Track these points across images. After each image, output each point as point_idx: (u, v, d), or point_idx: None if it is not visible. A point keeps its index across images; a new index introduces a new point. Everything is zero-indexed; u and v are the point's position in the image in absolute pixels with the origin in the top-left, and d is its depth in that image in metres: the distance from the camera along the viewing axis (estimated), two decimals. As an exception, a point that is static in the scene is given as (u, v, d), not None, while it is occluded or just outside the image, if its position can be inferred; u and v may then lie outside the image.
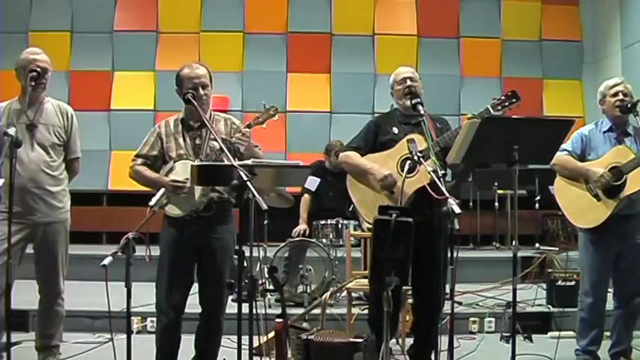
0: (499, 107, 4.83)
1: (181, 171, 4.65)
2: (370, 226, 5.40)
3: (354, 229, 7.36)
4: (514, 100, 4.80)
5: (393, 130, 5.15)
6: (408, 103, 5.01)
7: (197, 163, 4.56)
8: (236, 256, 3.93)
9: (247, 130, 4.66)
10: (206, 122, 4.58)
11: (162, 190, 4.36)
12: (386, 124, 5.23)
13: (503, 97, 4.79)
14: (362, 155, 5.17)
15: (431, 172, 4.17)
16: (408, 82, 5.11)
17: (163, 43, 11.29)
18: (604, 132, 5.37)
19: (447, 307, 4.55)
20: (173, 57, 10.63)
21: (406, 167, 4.50)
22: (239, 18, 11.46)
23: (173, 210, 4.66)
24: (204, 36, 11.37)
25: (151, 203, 4.19)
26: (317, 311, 6.39)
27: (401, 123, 5.17)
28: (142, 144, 4.84)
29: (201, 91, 4.69)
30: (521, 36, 11.62)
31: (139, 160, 4.79)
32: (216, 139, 4.59)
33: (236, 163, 3.99)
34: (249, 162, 4.12)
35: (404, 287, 5.02)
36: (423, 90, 5.16)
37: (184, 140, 4.75)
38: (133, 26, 11.33)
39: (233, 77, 11.29)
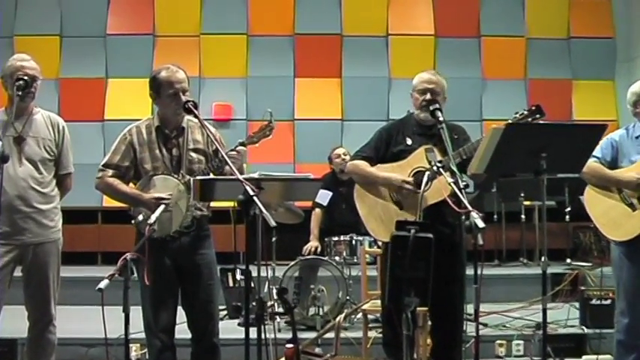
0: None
1: (162, 186, 4.61)
2: (381, 240, 5.43)
3: (370, 246, 7.36)
4: (538, 115, 4.79)
5: (407, 140, 5.12)
6: (424, 115, 4.99)
7: (188, 178, 4.54)
8: (242, 276, 3.94)
9: (243, 148, 4.60)
10: (209, 134, 4.55)
11: (162, 206, 4.36)
12: (399, 133, 5.19)
13: (526, 112, 4.78)
14: (371, 165, 5.16)
15: (452, 184, 4.17)
16: (428, 96, 5.05)
17: (160, 47, 11.33)
18: (636, 137, 5.32)
19: (471, 329, 4.55)
20: (171, 62, 10.63)
21: (425, 179, 4.49)
22: (242, 19, 11.50)
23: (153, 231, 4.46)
24: (204, 39, 11.41)
25: (150, 221, 4.20)
26: (330, 335, 6.39)
27: (415, 133, 5.14)
28: (110, 152, 4.74)
29: (183, 97, 4.60)
30: (547, 34, 11.62)
31: (110, 172, 4.70)
32: (195, 150, 4.60)
33: (241, 176, 3.99)
34: (255, 175, 4.13)
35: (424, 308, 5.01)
36: (446, 96, 5.12)
37: (160, 151, 4.69)
38: (127, 29, 11.38)
39: (236, 83, 11.33)
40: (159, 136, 4.71)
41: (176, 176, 4.62)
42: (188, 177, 4.58)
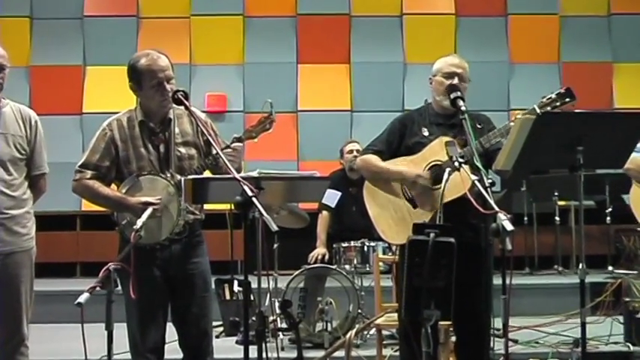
0: (548, 108, 4.80)
1: (149, 188, 4.58)
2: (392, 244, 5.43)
3: (384, 253, 7.36)
4: (567, 99, 4.77)
5: (423, 131, 5.12)
6: (446, 103, 4.99)
7: (178, 177, 4.55)
8: (240, 288, 3.96)
9: (239, 144, 4.57)
10: (202, 127, 4.54)
11: (150, 210, 4.37)
12: (414, 124, 5.18)
13: (553, 96, 4.76)
14: (383, 160, 5.16)
15: (476, 181, 4.17)
16: (456, 80, 5.05)
17: (146, 31, 11.38)
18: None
19: (499, 346, 4.55)
20: (158, 47, 10.57)
21: (445, 175, 4.48)
22: (238, -2, 11.54)
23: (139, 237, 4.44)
24: (195, 20, 11.45)
25: (136, 226, 4.20)
26: (340, 354, 6.40)
27: (433, 123, 5.13)
28: (88, 150, 4.70)
29: (168, 87, 4.57)
30: (584, 10, 11.64)
31: (89, 173, 4.66)
32: (185, 144, 4.60)
33: (239, 175, 4.00)
34: (254, 174, 4.13)
35: (444, 322, 5.02)
36: (466, 86, 5.13)
37: (146, 149, 4.66)
38: (107, 10, 11.44)
39: (232, 71, 11.37)
40: (143, 130, 4.68)
41: (164, 176, 4.62)
42: (178, 176, 4.57)
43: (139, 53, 4.74)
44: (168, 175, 4.61)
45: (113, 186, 4.76)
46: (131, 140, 4.67)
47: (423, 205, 4.90)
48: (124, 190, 4.62)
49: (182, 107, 4.56)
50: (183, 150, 4.67)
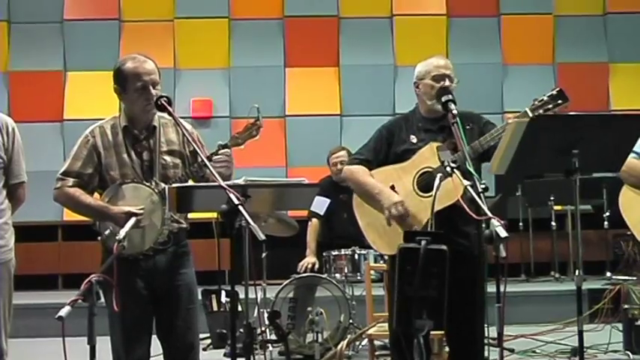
0: (541, 111, 4.80)
1: (132, 197, 4.56)
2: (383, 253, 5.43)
3: (375, 261, 7.35)
4: (560, 101, 4.78)
5: (411, 138, 5.11)
6: (439, 107, 4.98)
7: (162, 185, 4.53)
8: (228, 299, 3.95)
9: (227, 150, 4.55)
10: (187, 135, 4.53)
11: (134, 219, 4.36)
12: (402, 131, 5.17)
13: (545, 98, 4.76)
14: (370, 170, 5.16)
15: (468, 187, 4.18)
16: (447, 83, 5.05)
17: (128, 35, 11.37)
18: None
19: (494, 356, 4.56)
20: (141, 52, 10.63)
21: (437, 182, 4.48)
22: (223, 0, 11.53)
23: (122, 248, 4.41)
24: (179, 24, 11.45)
25: (119, 237, 4.19)
26: (331, 366, 6.40)
27: (420, 129, 5.12)
28: (70, 158, 4.69)
29: (153, 91, 4.55)
30: (579, 10, 11.69)
31: (70, 181, 4.64)
32: (169, 153, 4.60)
33: (224, 183, 3.99)
34: (240, 181, 4.13)
35: (437, 332, 5.02)
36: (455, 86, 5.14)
37: (129, 155, 4.64)
38: (88, 13, 11.43)
39: (217, 75, 11.37)
40: (126, 137, 4.67)
41: (148, 184, 4.61)
42: (162, 185, 4.57)
43: (126, 56, 4.75)
44: (152, 183, 4.60)
45: (96, 195, 4.75)
46: (114, 147, 4.65)
47: (413, 217, 4.89)
48: (106, 199, 4.60)
49: (167, 115, 4.58)
50: (168, 158, 4.66)
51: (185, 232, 4.77)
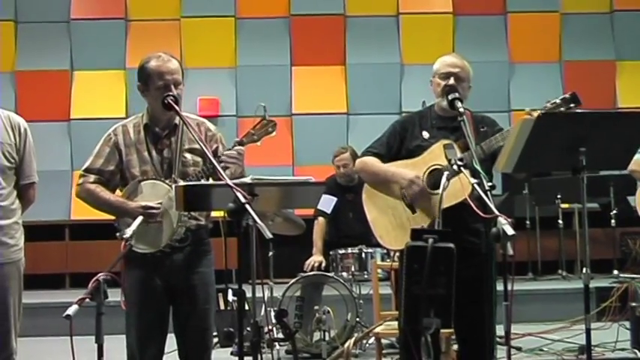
0: None
1: (151, 194, 4.58)
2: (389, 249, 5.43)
3: (382, 259, 7.35)
4: (572, 104, 4.79)
5: (424, 134, 5.12)
6: (445, 104, 4.98)
7: (181, 183, 4.54)
8: (234, 297, 3.95)
9: (241, 148, 4.58)
10: (192, 134, 4.53)
11: (140, 217, 4.37)
12: (415, 127, 5.18)
13: (558, 101, 4.77)
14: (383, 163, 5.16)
15: (475, 185, 4.17)
16: (452, 81, 5.04)
17: (134, 34, 11.37)
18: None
19: (502, 354, 4.56)
20: (147, 51, 10.55)
21: (443, 179, 4.48)
22: (229, -1, 11.55)
23: (139, 245, 4.53)
24: (185, 23, 11.45)
25: (127, 235, 4.20)
26: (338, 365, 6.40)
27: (434, 126, 5.13)
28: (92, 155, 4.75)
29: (174, 91, 4.59)
30: (586, 7, 11.66)
31: (92, 177, 4.70)
32: (190, 151, 4.60)
33: (231, 181, 3.99)
34: (247, 180, 4.13)
35: (446, 330, 5.02)
36: (471, 85, 5.12)
37: (149, 153, 4.68)
38: (94, 13, 11.43)
39: (224, 74, 11.37)
40: (148, 135, 4.72)
41: (167, 181, 4.62)
42: (181, 182, 4.55)
43: (152, 54, 4.75)
44: (171, 180, 4.62)
45: (117, 192, 4.77)
46: (135, 145, 4.70)
47: (422, 212, 4.89)
48: (125, 196, 4.65)
49: (192, 115, 4.65)
50: (188, 156, 4.67)
51: (206, 230, 4.77)
